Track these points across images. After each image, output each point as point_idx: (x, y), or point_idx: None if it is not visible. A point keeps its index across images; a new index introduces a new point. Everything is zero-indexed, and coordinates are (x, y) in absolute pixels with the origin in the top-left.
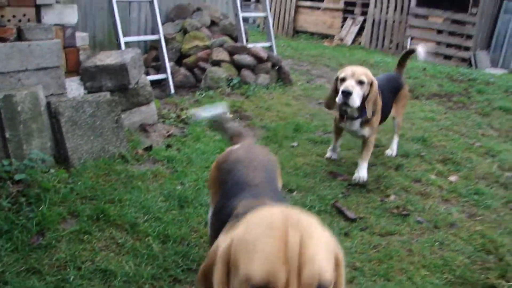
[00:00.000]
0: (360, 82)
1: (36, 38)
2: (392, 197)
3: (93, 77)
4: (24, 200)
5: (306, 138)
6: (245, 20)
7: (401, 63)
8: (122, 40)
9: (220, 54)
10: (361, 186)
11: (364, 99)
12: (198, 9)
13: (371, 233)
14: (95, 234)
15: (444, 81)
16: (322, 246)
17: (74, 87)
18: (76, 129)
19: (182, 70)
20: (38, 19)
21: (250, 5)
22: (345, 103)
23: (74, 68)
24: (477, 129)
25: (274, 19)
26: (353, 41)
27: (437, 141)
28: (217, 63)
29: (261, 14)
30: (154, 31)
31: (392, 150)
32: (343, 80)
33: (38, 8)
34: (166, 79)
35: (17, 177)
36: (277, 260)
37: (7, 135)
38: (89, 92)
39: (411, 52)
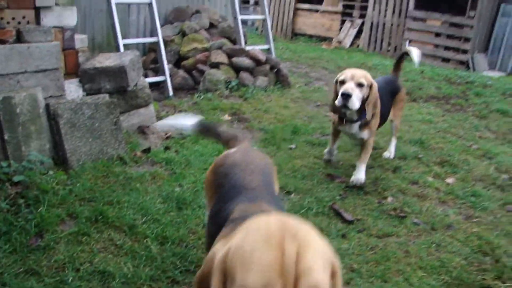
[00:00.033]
0: (360, 85)
1: (35, 40)
2: (389, 199)
3: (92, 79)
4: (23, 202)
5: (304, 140)
6: (244, 22)
7: (397, 66)
8: (121, 42)
9: (219, 57)
10: (359, 188)
11: (364, 101)
12: (197, 12)
13: (368, 234)
14: (93, 235)
15: (442, 84)
16: (319, 257)
17: (73, 89)
18: (74, 131)
19: (181, 73)
20: (38, 21)
21: (249, 7)
22: (345, 105)
23: (73, 70)
24: (474, 131)
25: (272, 22)
26: (352, 44)
27: (435, 144)
28: (215, 65)
29: (260, 17)
30: (153, 33)
31: (390, 153)
32: (342, 82)
33: (37, 10)
34: (164, 81)
35: (15, 178)
36: (273, 272)
37: (5, 137)
38: (88, 94)
39: (406, 53)
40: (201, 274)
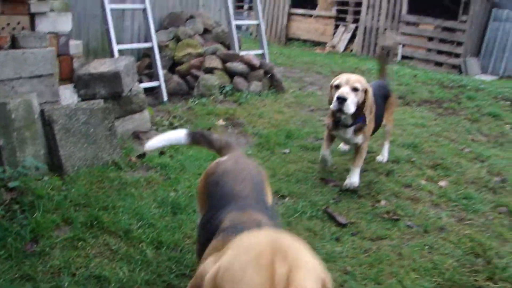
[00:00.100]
0: (355, 89)
1: (30, 46)
2: (382, 202)
3: (86, 84)
4: (18, 208)
5: (298, 144)
6: (238, 27)
7: (382, 69)
8: (116, 47)
9: (213, 62)
10: (352, 191)
11: (359, 106)
12: (191, 17)
13: (362, 237)
14: (89, 240)
15: (435, 88)
16: (309, 277)
17: (67, 95)
18: (69, 137)
19: (175, 78)
20: (32, 27)
21: (243, 12)
22: (340, 109)
23: (67, 76)
24: (466, 134)
25: (266, 27)
26: (345, 48)
27: (428, 147)
28: (210, 70)
29: (254, 22)
30: (148, 38)
31: (383, 156)
32: (337, 87)
33: (32, 16)
34: (159, 87)
35: (10, 184)
36: None
37: (0, 143)
38: (82, 100)
39: (387, 51)
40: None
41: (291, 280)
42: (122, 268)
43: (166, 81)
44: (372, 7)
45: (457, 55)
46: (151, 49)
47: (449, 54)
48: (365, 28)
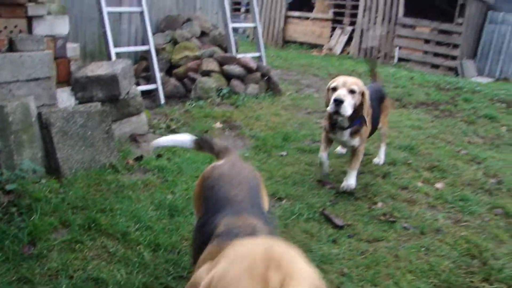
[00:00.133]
0: (352, 91)
1: (28, 49)
2: (379, 204)
3: (84, 87)
4: (15, 210)
5: (295, 147)
6: (235, 30)
7: (373, 71)
8: (113, 50)
9: (210, 65)
10: (349, 194)
11: (356, 108)
12: (188, 20)
13: (358, 239)
14: (86, 243)
15: (431, 90)
16: (304, 285)
17: (65, 98)
18: (67, 140)
19: (172, 81)
20: (30, 30)
21: (240, 15)
22: (337, 111)
23: (65, 79)
24: (463, 137)
25: (263, 29)
26: (342, 51)
27: (424, 149)
28: (207, 73)
29: (251, 25)
30: (145, 41)
31: (379, 159)
32: (334, 89)
33: (29, 19)
34: (156, 90)
35: (8, 187)
36: None
37: None
38: (80, 103)
39: (374, 56)
40: None
41: None
42: (120, 271)
43: (163, 84)
44: (368, 10)
45: (453, 58)
46: (148, 52)
47: (445, 56)
48: (362, 30)
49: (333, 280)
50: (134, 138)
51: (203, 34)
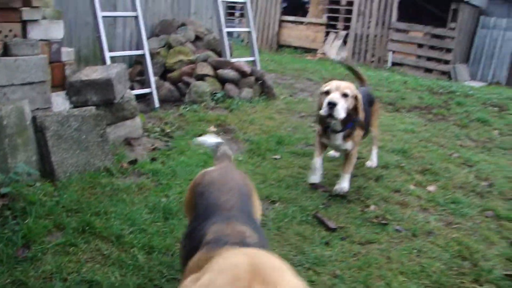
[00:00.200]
0: (345, 95)
1: (22, 53)
2: (372, 207)
3: (78, 91)
4: (10, 213)
5: (289, 150)
6: (229, 34)
7: (358, 76)
8: (107, 55)
9: (204, 69)
10: (342, 196)
11: (348, 112)
12: (183, 25)
13: (351, 242)
14: (81, 246)
15: (425, 94)
16: None
17: (59, 102)
18: (61, 143)
19: (167, 85)
20: (24, 34)
21: (234, 19)
22: (330, 114)
23: (59, 83)
24: (455, 140)
25: (258, 34)
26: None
27: (417, 152)
28: (201, 77)
29: (245, 29)
30: (139, 46)
31: (372, 162)
32: (327, 93)
33: (24, 23)
34: (150, 94)
35: (2, 190)
36: None
37: None
38: (74, 107)
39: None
40: None
41: None
42: (114, 273)
43: (157, 88)
44: (362, 15)
45: (446, 62)
46: (142, 56)
47: (438, 60)
48: (356, 35)
49: (326, 281)
50: (128, 142)
51: (198, 38)
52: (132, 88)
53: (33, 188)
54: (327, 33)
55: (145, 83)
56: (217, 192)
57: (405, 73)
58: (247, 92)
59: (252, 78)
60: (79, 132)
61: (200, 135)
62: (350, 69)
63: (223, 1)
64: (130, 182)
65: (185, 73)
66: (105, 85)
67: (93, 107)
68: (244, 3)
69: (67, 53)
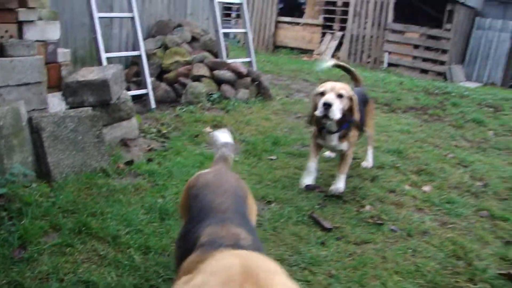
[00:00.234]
0: (340, 96)
1: (18, 54)
2: (367, 207)
3: (74, 92)
4: (6, 214)
5: (285, 151)
6: (226, 35)
7: (352, 75)
8: (104, 55)
9: (201, 70)
10: (337, 197)
11: (344, 113)
12: (179, 25)
13: (346, 242)
14: (77, 246)
15: (420, 95)
16: None
17: (55, 103)
18: (57, 144)
19: (163, 85)
20: (20, 35)
21: (230, 20)
22: (326, 115)
23: (56, 84)
24: (451, 140)
25: (254, 35)
26: (332, 56)
27: (412, 153)
28: (197, 78)
29: (241, 30)
30: (135, 47)
31: (368, 162)
32: (322, 94)
33: (20, 24)
34: (147, 94)
35: None
36: None
37: None
38: (70, 108)
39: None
40: None
41: None
42: (110, 273)
43: (154, 88)
44: (358, 16)
45: (442, 63)
46: (139, 57)
47: (434, 61)
48: (352, 36)
49: (322, 281)
50: (124, 143)
51: (194, 39)
52: (128, 89)
53: (29, 189)
54: (323, 34)
55: (141, 84)
56: (211, 194)
57: (401, 74)
58: (243, 93)
59: (248, 79)
60: (75, 133)
61: (196, 136)
62: (346, 69)
63: (219, 2)
64: (127, 183)
65: (182, 74)
66: (102, 86)
67: (89, 108)
68: (241, 4)
69: (63, 54)
